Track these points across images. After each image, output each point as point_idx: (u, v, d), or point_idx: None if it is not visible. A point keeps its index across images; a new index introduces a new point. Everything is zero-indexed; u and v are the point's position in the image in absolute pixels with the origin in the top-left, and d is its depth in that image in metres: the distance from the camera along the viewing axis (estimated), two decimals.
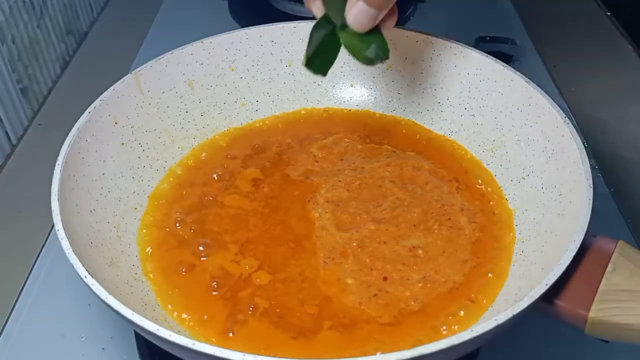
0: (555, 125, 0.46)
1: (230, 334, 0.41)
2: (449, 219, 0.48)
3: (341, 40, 0.44)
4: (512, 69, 0.52)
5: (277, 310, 0.42)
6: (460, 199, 0.50)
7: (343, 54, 0.44)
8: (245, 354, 0.31)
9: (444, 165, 0.53)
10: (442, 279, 0.44)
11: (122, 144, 0.50)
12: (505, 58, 0.73)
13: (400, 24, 0.45)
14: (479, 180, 0.51)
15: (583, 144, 0.44)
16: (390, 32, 0.44)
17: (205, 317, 0.42)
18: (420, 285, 0.43)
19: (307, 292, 0.43)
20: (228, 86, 0.58)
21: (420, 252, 0.45)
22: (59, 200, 0.41)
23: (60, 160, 0.44)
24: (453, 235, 0.47)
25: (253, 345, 0.40)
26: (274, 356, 0.31)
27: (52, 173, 0.43)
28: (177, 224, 0.48)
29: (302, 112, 0.59)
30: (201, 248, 0.46)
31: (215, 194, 0.51)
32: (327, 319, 0.42)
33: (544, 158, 0.47)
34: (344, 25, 0.43)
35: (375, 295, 0.43)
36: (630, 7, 0.86)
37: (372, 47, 0.44)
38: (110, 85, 0.50)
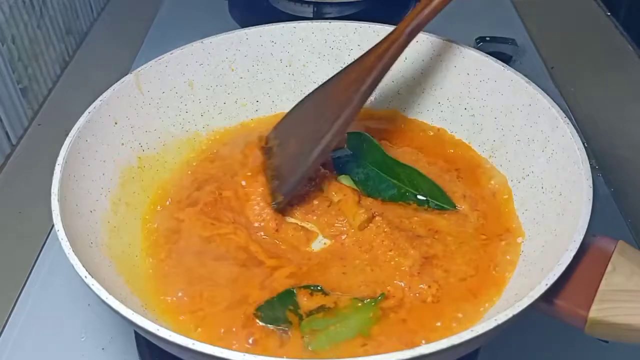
0: (555, 125, 0.46)
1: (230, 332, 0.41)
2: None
3: None
4: (512, 69, 0.51)
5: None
6: (462, 186, 0.50)
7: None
8: (246, 354, 0.31)
9: (444, 159, 0.53)
10: (443, 277, 0.44)
11: (122, 144, 0.50)
12: (505, 58, 0.73)
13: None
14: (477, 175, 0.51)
15: (583, 144, 0.44)
16: None
17: (204, 316, 0.42)
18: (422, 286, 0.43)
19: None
20: (228, 86, 0.57)
21: (426, 250, 0.45)
22: (59, 200, 0.41)
23: (60, 160, 0.44)
24: (461, 220, 0.47)
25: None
26: (275, 356, 0.31)
27: (52, 173, 0.43)
28: (178, 224, 0.48)
29: None
30: (201, 248, 0.46)
31: (215, 194, 0.51)
32: None
33: (544, 158, 0.47)
34: None
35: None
36: (630, 7, 0.86)
37: None
38: (110, 85, 0.50)
